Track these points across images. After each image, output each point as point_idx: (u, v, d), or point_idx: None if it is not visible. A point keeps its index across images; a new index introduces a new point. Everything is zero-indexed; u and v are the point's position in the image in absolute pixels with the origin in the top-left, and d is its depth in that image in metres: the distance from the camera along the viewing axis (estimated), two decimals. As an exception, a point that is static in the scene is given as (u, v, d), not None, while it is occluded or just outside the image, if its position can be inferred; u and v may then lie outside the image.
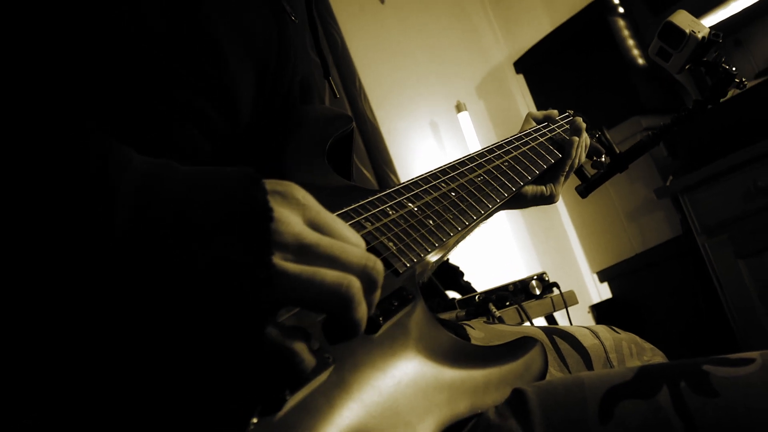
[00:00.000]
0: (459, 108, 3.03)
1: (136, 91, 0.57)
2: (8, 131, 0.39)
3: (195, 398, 0.41)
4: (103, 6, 0.55)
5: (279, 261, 0.42)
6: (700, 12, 2.74)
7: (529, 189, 1.04)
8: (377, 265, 0.47)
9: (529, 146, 0.96)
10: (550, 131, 1.06)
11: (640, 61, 2.75)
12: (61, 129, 0.41)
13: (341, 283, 0.43)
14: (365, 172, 2.31)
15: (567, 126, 1.11)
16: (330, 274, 0.43)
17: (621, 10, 2.81)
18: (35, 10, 0.51)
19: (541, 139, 1.01)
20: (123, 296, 0.38)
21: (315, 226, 0.45)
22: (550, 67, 2.98)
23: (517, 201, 1.05)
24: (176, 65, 0.59)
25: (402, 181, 0.71)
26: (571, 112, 1.18)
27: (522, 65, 3.13)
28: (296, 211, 0.44)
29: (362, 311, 0.45)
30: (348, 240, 0.47)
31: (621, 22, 2.79)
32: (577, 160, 1.06)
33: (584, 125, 1.08)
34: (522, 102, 3.39)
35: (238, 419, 0.42)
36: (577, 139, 1.05)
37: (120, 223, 0.39)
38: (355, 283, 0.44)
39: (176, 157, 0.48)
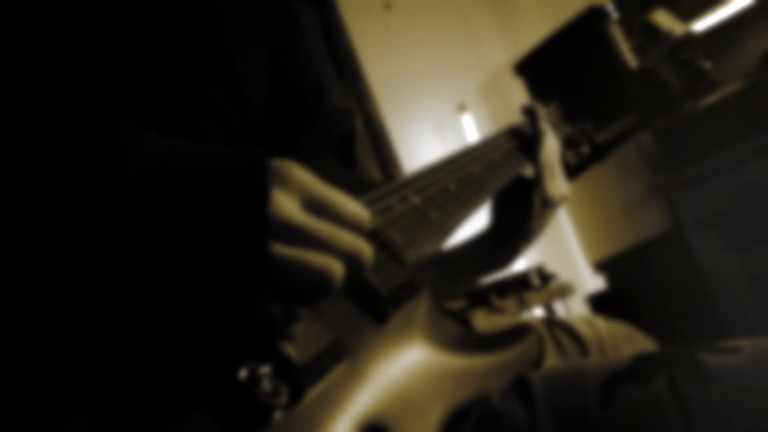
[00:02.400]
0: (462, 109, 3.03)
1: (155, 78, 0.57)
2: (27, 112, 0.41)
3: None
4: None
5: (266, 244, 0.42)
6: (689, 16, 2.73)
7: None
8: (364, 250, 0.46)
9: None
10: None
11: (633, 64, 2.74)
12: (76, 111, 0.42)
13: (323, 269, 0.44)
14: (373, 170, 2.31)
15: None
16: (315, 258, 0.43)
17: (615, 15, 2.80)
18: None
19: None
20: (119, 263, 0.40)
21: (314, 203, 0.45)
22: (548, 70, 2.98)
23: (531, 232, 0.95)
24: (192, 56, 0.59)
25: (403, 175, 0.71)
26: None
27: (521, 68, 3.12)
28: (292, 192, 0.44)
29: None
30: (349, 214, 0.46)
31: (615, 27, 2.78)
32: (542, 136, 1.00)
33: (537, 105, 1.07)
34: (522, 103, 3.39)
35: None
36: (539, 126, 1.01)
37: (123, 205, 0.40)
38: (336, 269, 0.44)
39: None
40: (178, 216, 0.41)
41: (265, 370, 0.43)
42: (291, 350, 0.45)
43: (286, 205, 0.43)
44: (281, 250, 0.42)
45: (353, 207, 0.47)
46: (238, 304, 0.42)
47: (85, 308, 0.40)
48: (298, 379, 0.45)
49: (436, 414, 0.53)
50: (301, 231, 0.43)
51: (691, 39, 1.18)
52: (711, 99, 2.04)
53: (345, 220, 0.46)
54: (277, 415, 0.43)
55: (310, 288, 0.44)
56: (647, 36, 1.22)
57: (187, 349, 0.42)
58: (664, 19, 1.21)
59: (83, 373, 0.39)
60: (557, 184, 0.95)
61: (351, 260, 0.45)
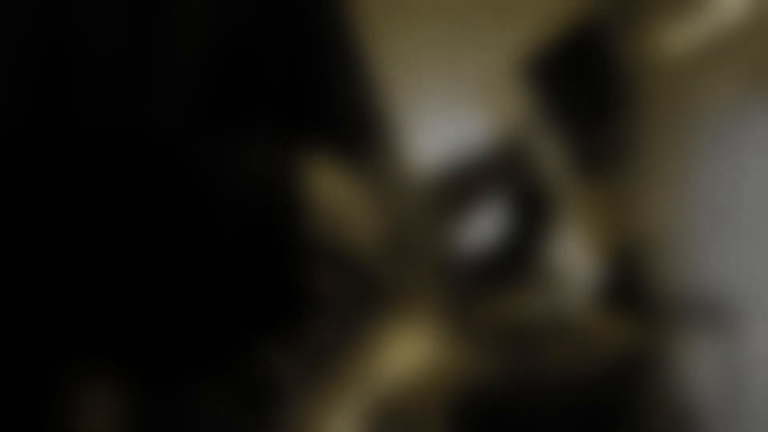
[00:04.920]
0: (467, 109, 3.03)
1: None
2: None
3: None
4: None
5: None
6: (683, 24, 2.71)
7: None
8: None
9: None
10: None
11: (632, 69, 2.74)
12: None
13: None
14: (379, 168, 2.33)
15: None
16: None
17: (611, 27, 2.80)
18: None
19: None
20: None
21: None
22: (550, 74, 2.98)
23: None
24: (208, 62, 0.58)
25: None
26: None
27: (525, 71, 3.12)
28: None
29: None
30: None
31: (609, 38, 2.77)
32: None
33: (539, 109, 1.07)
34: (525, 108, 3.39)
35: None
36: None
37: None
38: None
39: None
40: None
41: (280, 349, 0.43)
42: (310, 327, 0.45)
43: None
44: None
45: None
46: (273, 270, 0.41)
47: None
48: (309, 358, 0.45)
49: (443, 407, 0.53)
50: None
51: (683, 51, 1.19)
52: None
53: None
54: (285, 394, 0.43)
55: None
56: (642, 44, 1.23)
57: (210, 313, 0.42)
58: (657, 31, 1.22)
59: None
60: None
61: None
